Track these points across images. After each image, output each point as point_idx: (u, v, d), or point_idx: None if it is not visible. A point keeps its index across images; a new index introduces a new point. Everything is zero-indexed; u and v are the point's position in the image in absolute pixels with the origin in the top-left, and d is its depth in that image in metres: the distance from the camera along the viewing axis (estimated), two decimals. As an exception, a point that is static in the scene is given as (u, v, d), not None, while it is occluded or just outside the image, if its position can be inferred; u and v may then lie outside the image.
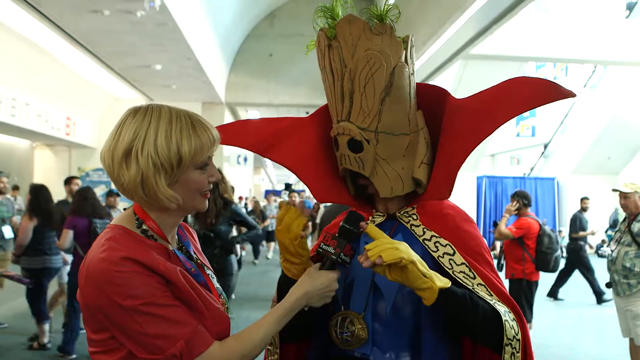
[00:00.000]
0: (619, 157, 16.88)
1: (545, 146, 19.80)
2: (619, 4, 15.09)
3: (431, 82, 12.73)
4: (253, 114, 19.26)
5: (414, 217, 1.43)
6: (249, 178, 26.85)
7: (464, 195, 16.21)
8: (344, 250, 1.29)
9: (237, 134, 1.49)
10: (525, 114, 22.29)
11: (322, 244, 1.31)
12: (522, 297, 5.50)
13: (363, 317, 1.38)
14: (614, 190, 4.61)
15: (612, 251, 4.49)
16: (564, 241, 16.72)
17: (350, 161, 1.37)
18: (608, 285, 4.53)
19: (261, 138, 1.48)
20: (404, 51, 1.33)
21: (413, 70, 1.39)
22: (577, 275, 8.99)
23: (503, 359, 1.24)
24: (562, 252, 17.49)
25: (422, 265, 1.21)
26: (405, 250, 1.20)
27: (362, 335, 1.36)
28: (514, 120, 22.79)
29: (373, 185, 1.41)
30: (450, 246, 1.36)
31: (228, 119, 16.63)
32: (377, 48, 1.30)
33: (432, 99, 1.44)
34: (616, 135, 15.87)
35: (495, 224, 5.99)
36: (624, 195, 4.49)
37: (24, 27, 9.41)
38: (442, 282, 1.22)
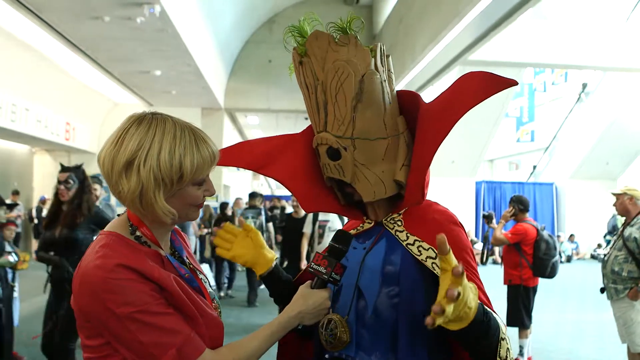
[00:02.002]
0: (617, 162, 16.93)
1: (544, 152, 19.84)
2: (617, 11, 15.14)
3: (430, 88, 12.72)
4: (252, 120, 19.28)
5: (399, 223, 1.46)
6: (248, 184, 26.85)
7: (462, 201, 16.22)
8: (335, 269, 1.33)
9: (234, 154, 1.56)
10: (525, 119, 22.36)
11: (313, 263, 1.36)
12: (519, 303, 5.48)
13: (346, 320, 1.41)
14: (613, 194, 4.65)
15: (605, 255, 4.50)
16: (563, 246, 16.77)
17: (331, 169, 1.43)
18: (602, 290, 4.50)
19: (255, 157, 1.55)
20: (373, 59, 1.39)
21: (387, 76, 1.44)
22: (577, 280, 8.98)
23: (499, 354, 1.24)
24: (560, 257, 17.48)
25: (471, 307, 1.12)
26: (469, 310, 1.10)
27: (343, 338, 1.40)
28: (513, 125, 22.85)
29: (357, 192, 1.45)
30: (433, 250, 1.38)
31: (227, 124, 16.65)
32: (343, 58, 1.36)
33: (411, 104, 1.49)
34: (614, 140, 15.92)
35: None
36: (615, 197, 4.55)
37: (24, 33, 9.44)
38: (461, 323, 1.13)
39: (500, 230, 5.59)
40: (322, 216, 6.24)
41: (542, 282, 5.67)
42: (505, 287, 5.59)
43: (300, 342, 1.64)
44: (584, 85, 17.58)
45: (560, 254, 18.10)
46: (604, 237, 16.02)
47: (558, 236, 17.26)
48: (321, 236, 6.25)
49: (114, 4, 7.63)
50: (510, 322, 5.40)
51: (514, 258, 5.53)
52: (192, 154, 1.19)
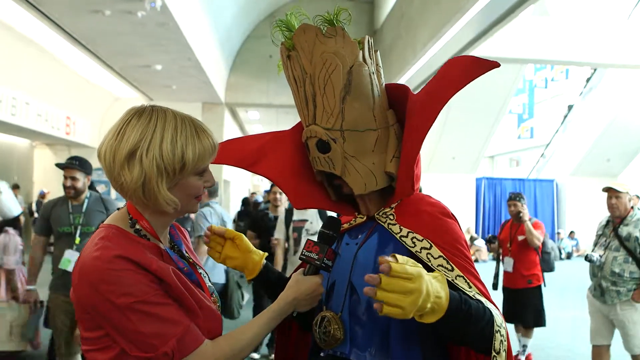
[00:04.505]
0: (618, 159, 16.92)
1: (545, 148, 19.80)
2: (619, 8, 15.13)
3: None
4: (253, 115, 19.26)
5: (391, 217, 1.46)
6: (248, 179, 26.86)
7: (463, 197, 16.22)
8: (326, 255, 1.35)
9: (224, 152, 1.55)
10: (525, 116, 22.33)
11: (304, 250, 1.37)
12: (542, 303, 5.35)
13: (340, 317, 1.41)
14: (605, 189, 4.36)
15: (601, 256, 4.30)
16: (563, 243, 16.78)
17: (321, 162, 1.43)
18: (598, 292, 4.32)
19: (245, 154, 1.55)
20: (361, 51, 1.39)
21: (376, 69, 1.43)
22: (577, 277, 8.97)
23: (493, 348, 1.23)
24: (560, 254, 17.38)
25: (427, 299, 1.10)
26: (410, 302, 1.07)
27: (337, 335, 1.40)
28: (514, 121, 22.84)
29: (347, 184, 1.44)
30: (427, 241, 1.38)
31: (228, 119, 16.63)
32: (331, 50, 1.36)
33: (400, 97, 1.48)
34: (615, 137, 15.91)
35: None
36: (616, 195, 4.26)
37: (24, 27, 9.41)
38: (435, 315, 1.14)
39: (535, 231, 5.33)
40: (297, 215, 4.95)
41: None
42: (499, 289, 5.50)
43: (301, 334, 1.65)
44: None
45: (560, 251, 17.93)
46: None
47: (558, 233, 17.27)
48: (297, 242, 4.91)
49: (114, -2, 7.62)
50: (537, 323, 5.35)
51: (531, 257, 5.35)
52: (193, 143, 1.21)
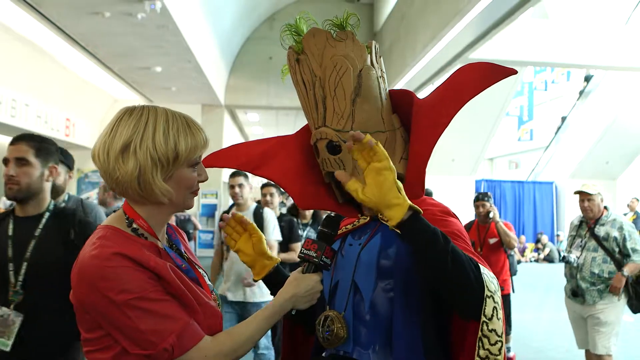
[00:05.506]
0: (617, 161, 16.93)
1: (544, 151, 19.81)
2: (618, 10, 15.17)
3: (430, 87, 12.83)
4: (252, 117, 19.26)
5: None
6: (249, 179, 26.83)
7: (462, 199, 16.20)
8: (325, 252, 1.36)
9: (229, 156, 1.58)
10: (525, 118, 22.34)
11: (303, 248, 1.39)
12: (507, 312, 5.28)
13: (343, 316, 1.43)
14: (577, 192, 4.34)
15: (578, 257, 4.28)
16: (562, 245, 16.77)
17: (331, 163, 1.44)
18: (574, 294, 4.29)
19: (250, 158, 1.57)
20: (369, 55, 1.42)
21: (381, 73, 1.47)
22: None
23: (484, 312, 1.23)
24: (559, 255, 17.31)
25: (399, 183, 1.24)
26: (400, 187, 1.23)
27: (340, 334, 1.41)
28: (514, 124, 22.85)
29: None
30: None
31: (227, 121, 16.63)
32: (341, 53, 1.39)
33: (404, 102, 1.50)
34: (615, 139, 15.92)
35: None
36: (588, 197, 4.25)
37: (24, 28, 9.42)
38: (405, 202, 1.23)
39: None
40: None
41: (541, 280, 5.64)
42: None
43: (304, 337, 1.66)
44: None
45: (559, 253, 17.95)
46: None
47: (557, 235, 17.27)
48: (228, 248, 4.30)
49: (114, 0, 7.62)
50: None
51: (502, 261, 5.26)
52: (185, 135, 1.24)
